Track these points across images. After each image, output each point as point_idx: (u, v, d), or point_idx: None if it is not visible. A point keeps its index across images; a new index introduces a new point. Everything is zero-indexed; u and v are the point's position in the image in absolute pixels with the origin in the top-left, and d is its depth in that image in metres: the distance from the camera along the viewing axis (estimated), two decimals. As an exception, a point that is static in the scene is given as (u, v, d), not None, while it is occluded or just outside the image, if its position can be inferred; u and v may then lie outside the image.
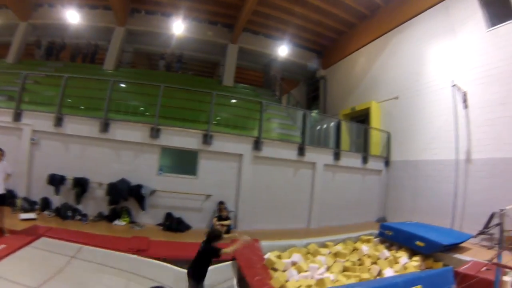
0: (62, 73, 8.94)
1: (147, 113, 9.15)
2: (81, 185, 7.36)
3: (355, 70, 14.05)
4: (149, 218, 7.60)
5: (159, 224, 7.49)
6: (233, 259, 5.79)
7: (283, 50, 14.75)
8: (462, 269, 5.19)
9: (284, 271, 5.65)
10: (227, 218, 7.44)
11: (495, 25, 8.42)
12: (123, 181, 7.38)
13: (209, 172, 8.09)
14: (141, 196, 7.39)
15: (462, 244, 7.45)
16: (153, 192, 7.61)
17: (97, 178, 7.49)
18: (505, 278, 5.03)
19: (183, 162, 8.30)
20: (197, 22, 14.32)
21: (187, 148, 7.96)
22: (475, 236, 7.79)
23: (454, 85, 8.88)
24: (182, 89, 10.13)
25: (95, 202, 7.56)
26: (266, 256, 6.22)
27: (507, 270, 5.29)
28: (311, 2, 12.36)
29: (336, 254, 7.05)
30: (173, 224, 7.37)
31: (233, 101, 12.01)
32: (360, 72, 13.65)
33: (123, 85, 10.88)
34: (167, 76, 13.87)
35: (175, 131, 7.89)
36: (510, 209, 7.69)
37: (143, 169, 7.67)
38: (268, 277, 5.26)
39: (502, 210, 4.14)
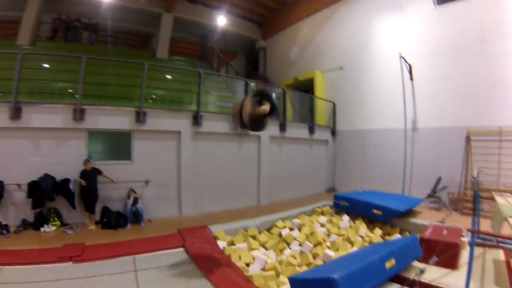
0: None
1: (70, 90, 7.63)
2: (-5, 190, 5.89)
3: (298, 41, 13.75)
4: (83, 217, 6.48)
5: (96, 222, 6.44)
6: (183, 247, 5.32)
7: (221, 20, 13.80)
8: (426, 235, 5.17)
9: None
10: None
11: (443, 3, 8.69)
12: (46, 177, 6.09)
13: (146, 154, 7.16)
14: (70, 192, 6.21)
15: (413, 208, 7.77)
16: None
17: (13, 178, 6.01)
18: (463, 239, 5.19)
19: (116, 146, 7.22)
20: (127, -13, 12.58)
21: (119, 129, 6.88)
22: (423, 200, 8.24)
23: (401, 57, 9.02)
24: (109, 60, 8.68)
25: (16, 208, 6.11)
26: (221, 245, 5.78)
27: (462, 230, 5.48)
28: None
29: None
30: (111, 219, 6.39)
31: (169, 77, 10.85)
32: (303, 43, 13.39)
33: (45, 65, 9.17)
34: (93, 50, 12.06)
35: (103, 111, 6.68)
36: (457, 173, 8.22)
37: (69, 159, 6.38)
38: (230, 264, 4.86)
39: (474, 178, 3.96)
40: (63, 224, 6.26)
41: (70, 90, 7.72)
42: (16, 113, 6.03)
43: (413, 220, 7.14)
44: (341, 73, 11.51)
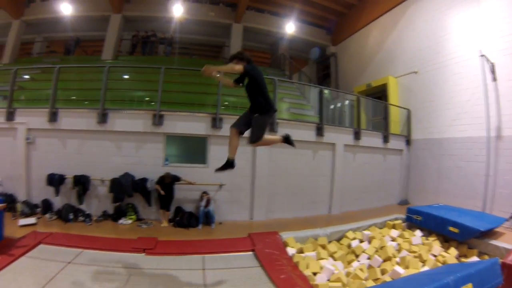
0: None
1: (147, 99, 8.49)
2: (82, 183, 6.84)
3: (368, 45, 13.25)
4: (157, 214, 7.07)
5: (169, 220, 6.95)
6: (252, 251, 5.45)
7: (290, 28, 13.90)
8: (509, 260, 4.65)
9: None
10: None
11: (526, -12, 7.62)
12: (126, 176, 6.83)
13: (221, 159, 7.21)
14: (147, 190, 6.85)
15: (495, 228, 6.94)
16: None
17: (98, 174, 6.96)
18: None
19: (192, 150, 7.72)
20: (197, 2, 13.63)
21: (195, 134, 7.37)
22: (507, 220, 7.27)
23: (481, 55, 8.09)
24: (184, 69, 9.43)
25: (98, 201, 7.06)
26: (290, 252, 5.79)
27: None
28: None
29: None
30: (184, 219, 6.81)
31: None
32: (374, 46, 12.85)
33: (126, 76, 10.35)
34: (169, 62, 13.23)
35: (180, 116, 7.27)
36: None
37: (147, 160, 7.10)
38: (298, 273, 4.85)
39: None
40: (139, 219, 6.95)
41: (147, 98, 8.56)
42: (102, 118, 6.95)
43: (494, 242, 6.36)
44: (415, 77, 10.77)
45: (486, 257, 6.11)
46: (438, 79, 9.85)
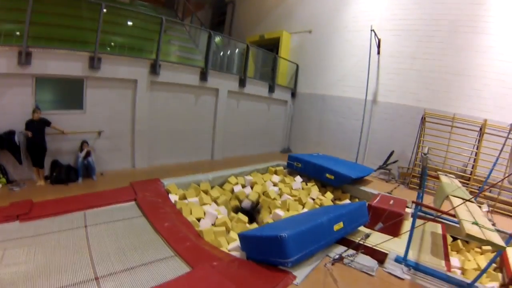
0: None
1: (17, 33, 6.79)
2: None
3: None
4: (31, 172, 6.07)
5: (45, 177, 6.09)
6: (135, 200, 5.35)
7: None
8: (374, 203, 5.52)
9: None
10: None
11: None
12: (-13, 130, 5.57)
13: (99, 103, 6.74)
14: (15, 145, 5.73)
15: (364, 177, 8.24)
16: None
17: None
18: (407, 210, 5.62)
19: (66, 94, 6.68)
20: None
21: (70, 75, 6.29)
22: (375, 170, 8.73)
23: (372, 30, 9.06)
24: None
25: (-45, 168, 5.59)
26: (172, 199, 5.81)
27: (408, 202, 5.91)
28: None
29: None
30: (61, 174, 6.07)
31: (130, 23, 10.03)
32: (274, 1, 12.97)
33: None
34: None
35: (52, 55, 6.00)
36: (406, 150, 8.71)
37: (13, 109, 5.76)
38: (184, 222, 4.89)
39: (424, 154, 4.22)
40: (9, 181, 5.82)
41: (18, 33, 6.89)
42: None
43: (364, 188, 7.59)
44: (309, 36, 11.44)
45: (357, 200, 7.27)
46: (331, 42, 10.68)
